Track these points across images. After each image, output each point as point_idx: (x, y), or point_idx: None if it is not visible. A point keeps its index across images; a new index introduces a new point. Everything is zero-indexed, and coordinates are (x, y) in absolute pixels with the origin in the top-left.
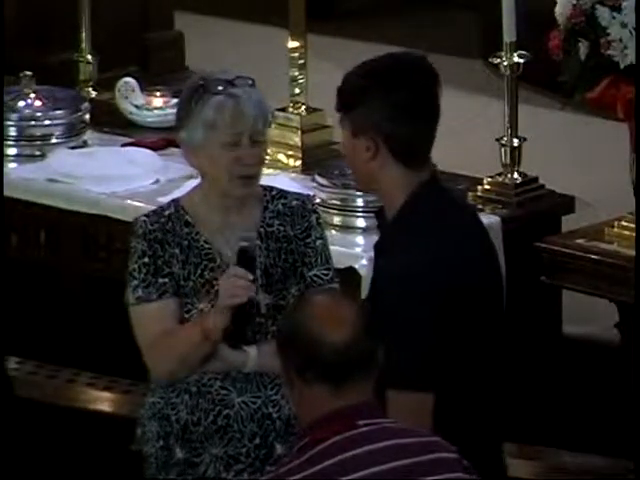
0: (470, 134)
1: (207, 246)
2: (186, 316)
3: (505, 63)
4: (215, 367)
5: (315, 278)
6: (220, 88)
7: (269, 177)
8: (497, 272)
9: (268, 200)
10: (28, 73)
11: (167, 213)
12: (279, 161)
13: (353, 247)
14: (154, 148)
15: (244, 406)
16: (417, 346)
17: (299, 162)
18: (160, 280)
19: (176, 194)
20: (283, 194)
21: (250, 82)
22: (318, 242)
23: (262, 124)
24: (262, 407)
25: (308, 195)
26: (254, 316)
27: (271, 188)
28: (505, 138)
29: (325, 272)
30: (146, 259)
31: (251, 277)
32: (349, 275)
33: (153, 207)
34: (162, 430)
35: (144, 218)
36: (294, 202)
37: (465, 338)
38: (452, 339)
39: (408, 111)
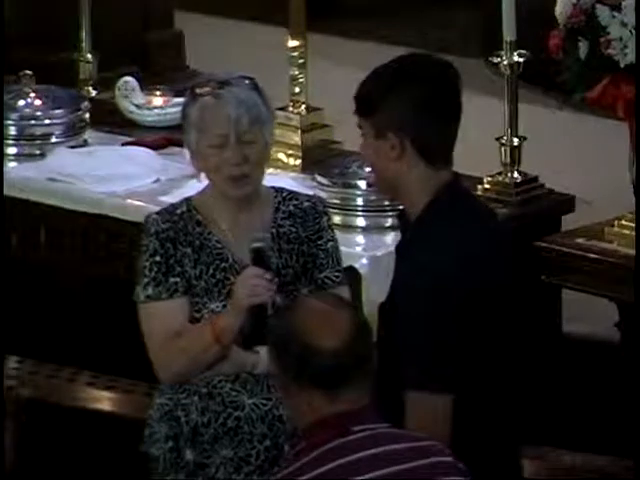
0: (470, 134)
1: (219, 246)
2: (197, 316)
3: (505, 62)
4: (226, 368)
5: (326, 280)
6: (207, 89)
7: (269, 177)
8: (515, 273)
9: (279, 201)
10: (28, 72)
11: (179, 212)
12: (279, 160)
13: (353, 246)
14: (154, 147)
15: (255, 408)
16: (436, 346)
17: (299, 161)
18: (171, 279)
19: (176, 193)
20: (294, 195)
21: (247, 82)
22: (329, 244)
23: (247, 123)
24: (273, 409)
25: (320, 197)
26: (268, 317)
27: (282, 189)
28: (505, 138)
29: (336, 274)
30: (157, 257)
31: (269, 277)
32: (349, 275)
33: (153, 206)
34: (171, 431)
35: (155, 216)
36: (305, 204)
37: (484, 339)
38: (471, 339)
39: (431, 108)
